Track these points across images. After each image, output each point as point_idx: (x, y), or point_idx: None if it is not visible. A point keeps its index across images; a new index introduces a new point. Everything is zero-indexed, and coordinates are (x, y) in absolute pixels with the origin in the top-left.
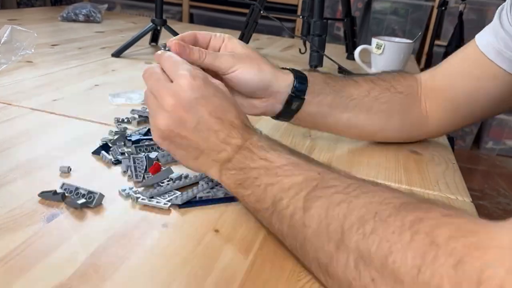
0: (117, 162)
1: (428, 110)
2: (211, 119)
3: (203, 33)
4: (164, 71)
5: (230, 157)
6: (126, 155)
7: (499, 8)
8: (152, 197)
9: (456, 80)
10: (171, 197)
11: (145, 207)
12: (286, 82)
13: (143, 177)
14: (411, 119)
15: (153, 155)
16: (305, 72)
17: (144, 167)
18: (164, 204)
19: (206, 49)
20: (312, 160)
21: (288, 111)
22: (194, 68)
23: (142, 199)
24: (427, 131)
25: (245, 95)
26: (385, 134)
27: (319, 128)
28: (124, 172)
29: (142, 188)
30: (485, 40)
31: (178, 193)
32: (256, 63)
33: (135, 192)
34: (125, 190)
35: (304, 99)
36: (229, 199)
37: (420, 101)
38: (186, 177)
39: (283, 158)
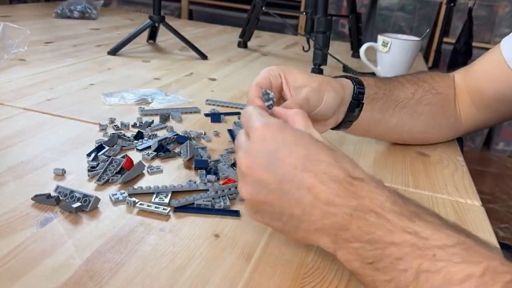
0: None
1: (461, 110)
2: (299, 173)
3: (263, 79)
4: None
5: (345, 224)
6: (105, 157)
7: None
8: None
9: (484, 81)
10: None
11: (142, 211)
12: (349, 90)
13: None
14: (449, 120)
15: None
16: (358, 77)
17: (118, 168)
18: (164, 209)
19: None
20: (481, 240)
21: (349, 119)
22: (272, 117)
23: (141, 204)
24: (459, 131)
25: (321, 119)
26: (427, 136)
27: (368, 135)
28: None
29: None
30: (507, 46)
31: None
32: (325, 84)
33: (130, 196)
34: (115, 195)
35: (363, 103)
36: (228, 212)
37: (455, 101)
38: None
39: (442, 234)
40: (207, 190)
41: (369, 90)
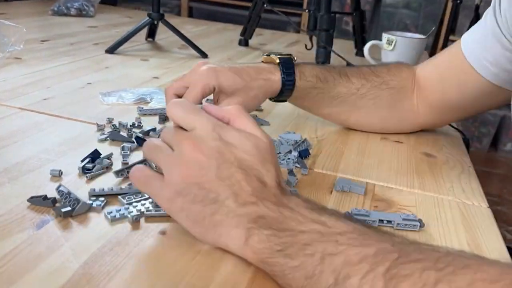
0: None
1: (419, 102)
2: (236, 170)
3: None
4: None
5: (263, 214)
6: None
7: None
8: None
9: (444, 75)
10: (140, 199)
11: (140, 213)
12: (278, 81)
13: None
14: (399, 113)
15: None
16: (301, 69)
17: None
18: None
19: None
20: (376, 228)
21: (280, 99)
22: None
23: (148, 210)
24: (420, 123)
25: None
26: (373, 126)
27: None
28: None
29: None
30: (466, 41)
31: (146, 195)
32: (253, 82)
33: (126, 210)
34: (111, 213)
35: (292, 90)
36: None
37: (413, 94)
38: None
39: (343, 223)
40: None
41: (303, 84)
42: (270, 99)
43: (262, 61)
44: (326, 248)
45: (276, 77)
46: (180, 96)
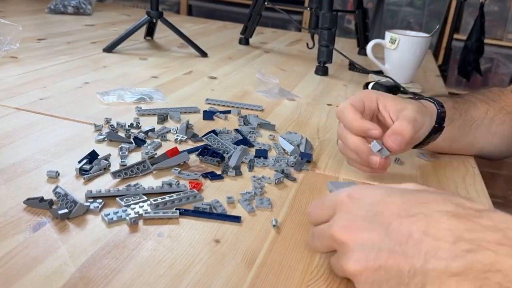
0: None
1: None
2: (405, 220)
3: (357, 102)
4: None
5: (491, 263)
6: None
7: None
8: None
9: None
10: (138, 201)
11: (138, 215)
12: (434, 114)
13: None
14: None
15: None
16: (437, 99)
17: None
18: (173, 213)
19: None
20: None
21: (429, 140)
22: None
23: (146, 213)
24: None
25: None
26: (498, 155)
27: (439, 151)
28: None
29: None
30: None
31: (144, 197)
32: (422, 107)
33: (124, 212)
34: (108, 215)
35: (444, 127)
36: (229, 217)
37: None
38: (170, 184)
39: None
40: (167, 193)
41: (449, 112)
42: (418, 144)
43: None
44: None
45: (428, 103)
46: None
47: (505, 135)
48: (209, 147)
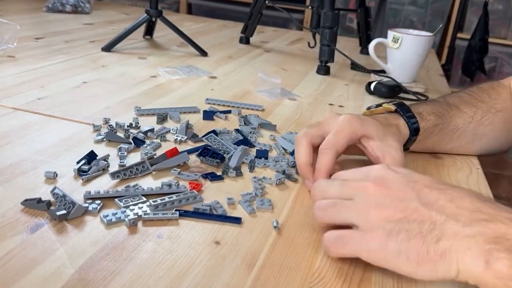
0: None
1: None
2: (435, 191)
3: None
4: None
5: (503, 232)
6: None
7: None
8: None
9: None
10: (138, 202)
11: (137, 216)
12: (405, 133)
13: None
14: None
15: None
16: (416, 110)
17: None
18: (172, 214)
19: None
20: None
21: (407, 146)
22: None
23: (146, 214)
24: None
25: None
26: (488, 152)
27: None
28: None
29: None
30: None
31: (143, 198)
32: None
33: (123, 213)
34: (107, 216)
35: (418, 134)
36: (229, 218)
37: None
38: (169, 185)
39: None
40: (168, 194)
41: (425, 124)
42: None
43: (372, 113)
44: None
45: (401, 123)
46: (315, 146)
47: (495, 135)
48: (209, 147)
